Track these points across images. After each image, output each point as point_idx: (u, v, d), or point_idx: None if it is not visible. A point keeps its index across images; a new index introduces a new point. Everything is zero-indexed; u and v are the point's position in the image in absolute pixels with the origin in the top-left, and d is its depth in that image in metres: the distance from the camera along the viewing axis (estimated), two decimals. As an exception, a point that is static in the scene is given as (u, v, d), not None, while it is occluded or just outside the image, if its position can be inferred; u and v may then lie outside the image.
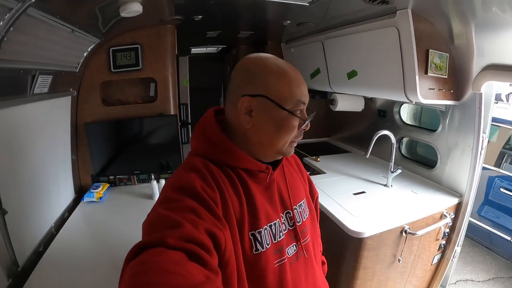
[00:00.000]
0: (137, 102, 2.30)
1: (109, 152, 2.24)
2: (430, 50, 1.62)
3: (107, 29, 1.86)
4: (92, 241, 1.65)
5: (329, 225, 1.76)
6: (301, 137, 0.78)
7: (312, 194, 1.00)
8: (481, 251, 2.90)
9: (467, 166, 1.83)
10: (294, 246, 0.80)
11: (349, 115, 2.80)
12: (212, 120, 0.75)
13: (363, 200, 1.88)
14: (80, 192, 2.12)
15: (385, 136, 2.02)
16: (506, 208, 2.71)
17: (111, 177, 2.24)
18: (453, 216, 1.86)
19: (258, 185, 0.76)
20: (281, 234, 0.76)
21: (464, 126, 1.82)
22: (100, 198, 2.01)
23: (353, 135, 3.03)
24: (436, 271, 2.08)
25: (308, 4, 1.72)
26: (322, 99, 2.98)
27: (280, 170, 0.82)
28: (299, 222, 0.82)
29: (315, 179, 2.22)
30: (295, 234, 0.81)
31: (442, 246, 1.92)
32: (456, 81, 1.75)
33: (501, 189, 2.71)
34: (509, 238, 2.65)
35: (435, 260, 2.00)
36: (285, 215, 0.80)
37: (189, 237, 0.51)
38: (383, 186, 2.07)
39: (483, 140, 1.72)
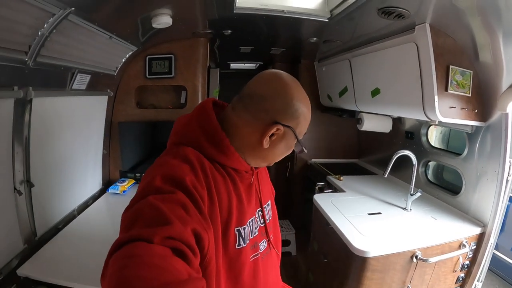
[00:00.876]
0: (168, 107, 2.49)
1: (139, 151, 2.44)
2: (451, 67, 1.56)
3: (145, 39, 2.09)
4: (108, 228, 1.77)
5: (335, 242, 1.72)
6: None
7: (273, 193, 1.05)
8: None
9: (492, 193, 1.67)
10: (264, 242, 0.84)
11: (379, 137, 2.73)
12: (213, 115, 0.75)
13: (377, 221, 1.80)
14: (108, 184, 2.31)
15: (410, 157, 1.94)
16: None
17: (137, 174, 2.42)
18: (474, 247, 1.70)
19: (243, 183, 0.79)
20: (255, 230, 0.81)
21: (491, 150, 1.68)
22: (124, 191, 2.18)
23: (381, 158, 2.94)
24: (454, 307, 1.88)
25: (327, 20, 1.78)
26: (351, 119, 2.95)
27: (255, 171, 0.87)
28: (267, 220, 0.88)
29: (331, 196, 2.18)
30: (265, 230, 0.86)
31: (461, 279, 1.74)
32: (481, 100, 1.65)
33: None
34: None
35: (452, 294, 1.82)
36: (257, 213, 0.84)
37: (177, 236, 0.50)
38: (401, 209, 1.96)
39: (510, 166, 1.58)
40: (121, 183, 2.24)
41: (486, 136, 1.72)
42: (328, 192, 2.53)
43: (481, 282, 1.75)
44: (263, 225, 0.85)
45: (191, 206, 0.58)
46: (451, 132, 2.33)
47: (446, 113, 1.60)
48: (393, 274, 1.59)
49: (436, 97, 1.56)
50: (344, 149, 3.38)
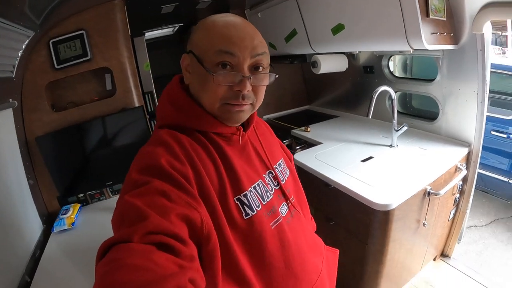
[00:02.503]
0: (93, 99, 1.93)
1: (72, 166, 1.87)
2: (429, -10, 1.45)
3: (43, 18, 1.49)
4: (75, 279, 1.33)
5: (342, 203, 1.60)
6: (240, 100, 0.67)
7: (288, 156, 1.00)
8: (476, 195, 2.90)
9: (473, 112, 1.73)
10: (284, 205, 0.79)
11: (329, 77, 2.60)
12: (178, 86, 0.74)
13: (374, 167, 1.71)
14: (50, 220, 1.75)
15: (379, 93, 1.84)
16: (498, 151, 2.72)
17: (80, 195, 1.89)
18: (465, 166, 1.77)
19: (232, 147, 0.74)
20: (268, 194, 0.76)
21: (465, 71, 1.70)
22: (73, 223, 1.67)
23: (336, 98, 2.86)
24: (452, 226, 2.01)
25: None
26: (297, 65, 2.74)
27: (252, 131, 0.82)
28: (283, 181, 0.82)
29: (312, 151, 2.00)
30: (282, 193, 0.80)
31: (457, 199, 1.84)
32: (453, 23, 1.61)
33: (492, 132, 2.69)
34: (506, 179, 2.67)
35: (451, 216, 1.92)
36: (268, 175, 0.79)
37: (157, 229, 0.48)
38: (388, 147, 1.92)
39: (487, 84, 1.62)
40: (64, 214, 1.71)
41: (458, 59, 1.72)
42: (298, 148, 2.37)
43: (472, 197, 1.88)
44: (278, 187, 0.80)
45: (172, 190, 0.56)
46: (413, 59, 2.33)
47: (429, 40, 1.50)
48: (411, 217, 1.56)
49: (420, 24, 1.44)
50: (294, 98, 3.20)
